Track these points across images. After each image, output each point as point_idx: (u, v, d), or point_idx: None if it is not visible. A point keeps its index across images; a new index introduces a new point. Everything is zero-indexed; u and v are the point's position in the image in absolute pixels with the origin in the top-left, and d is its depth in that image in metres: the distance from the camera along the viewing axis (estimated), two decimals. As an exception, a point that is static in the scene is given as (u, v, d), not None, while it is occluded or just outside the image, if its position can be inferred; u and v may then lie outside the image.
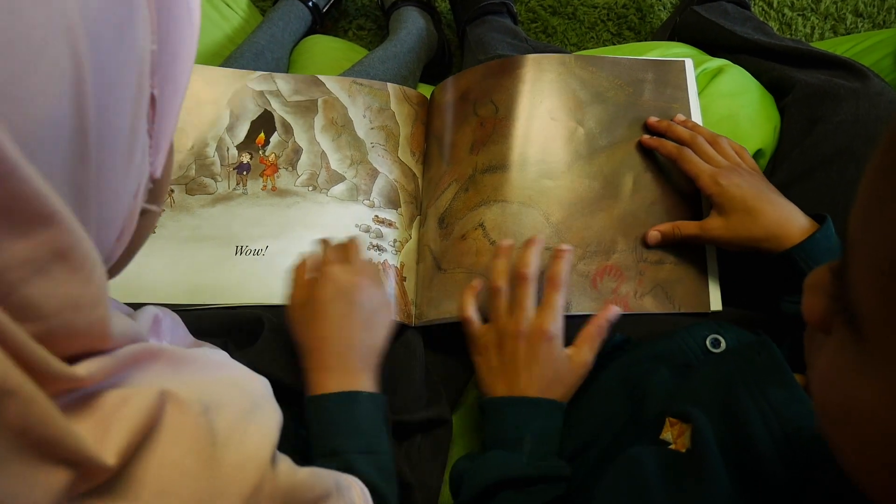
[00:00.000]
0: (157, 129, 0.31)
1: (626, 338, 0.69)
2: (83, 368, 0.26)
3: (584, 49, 1.32)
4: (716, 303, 0.70)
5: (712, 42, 1.01)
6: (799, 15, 1.31)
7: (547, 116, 0.76)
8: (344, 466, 0.52)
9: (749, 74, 0.87)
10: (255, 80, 0.83)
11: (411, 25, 1.13)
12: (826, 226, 0.61)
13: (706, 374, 0.59)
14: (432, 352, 0.75)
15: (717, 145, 0.69)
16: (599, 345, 0.65)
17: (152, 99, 0.30)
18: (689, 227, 0.68)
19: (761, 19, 1.30)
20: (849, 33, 1.29)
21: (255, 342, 0.67)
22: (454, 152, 0.79)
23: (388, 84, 0.84)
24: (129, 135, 0.28)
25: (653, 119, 0.74)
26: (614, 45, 1.32)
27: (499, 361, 0.63)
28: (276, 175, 0.77)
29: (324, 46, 1.14)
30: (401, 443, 0.69)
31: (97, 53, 0.24)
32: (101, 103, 0.25)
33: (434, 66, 1.22)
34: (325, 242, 0.70)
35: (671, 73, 0.78)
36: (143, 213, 0.33)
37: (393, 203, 0.79)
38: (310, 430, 0.57)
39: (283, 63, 1.11)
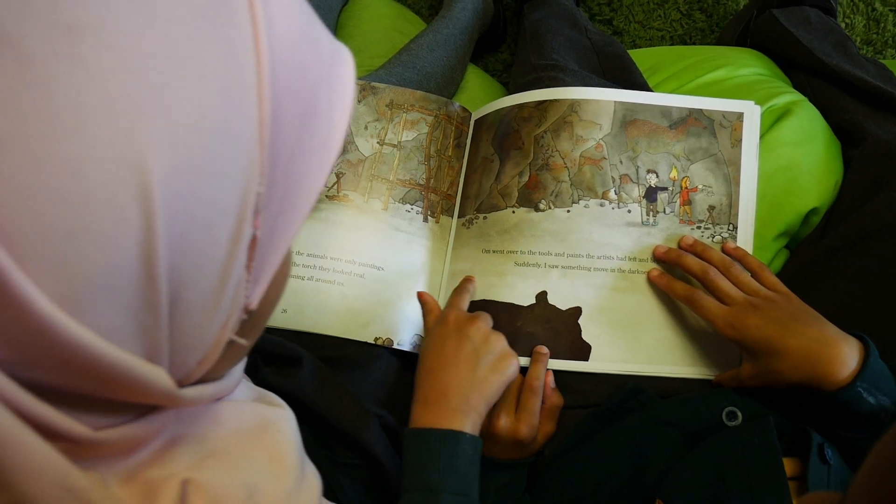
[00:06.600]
0: (258, 266, 0.31)
1: (639, 388, 0.68)
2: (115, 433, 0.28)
3: (650, 28, 1.24)
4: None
5: (787, 57, 0.94)
6: (891, 10, 1.20)
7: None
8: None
9: (818, 115, 0.81)
10: None
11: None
12: (871, 354, 0.55)
13: (705, 454, 0.59)
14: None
15: (731, 273, 0.64)
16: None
17: (254, 238, 0.29)
18: (730, 381, 0.65)
19: (848, 13, 1.20)
20: (943, 38, 1.18)
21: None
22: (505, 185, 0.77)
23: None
24: (220, 274, 0.28)
25: (661, 250, 0.69)
26: (682, 26, 1.23)
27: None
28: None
29: (373, 13, 1.09)
30: None
31: (176, 205, 0.24)
32: (180, 251, 0.25)
33: (486, 39, 1.16)
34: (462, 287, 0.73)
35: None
36: (231, 342, 0.32)
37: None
38: (404, 461, 0.59)
39: (330, 29, 1.06)
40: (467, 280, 0.73)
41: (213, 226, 0.26)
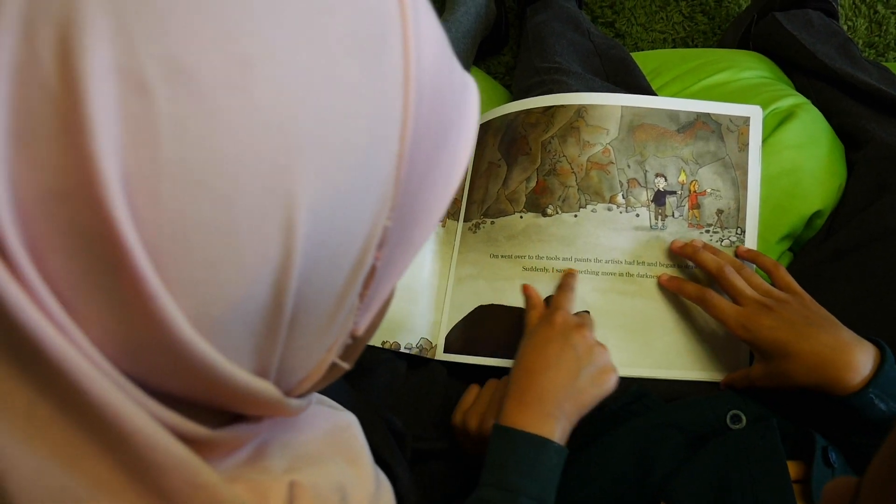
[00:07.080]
0: (371, 294, 0.30)
1: (644, 391, 0.69)
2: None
3: (652, 31, 1.24)
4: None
5: (789, 60, 0.94)
6: (893, 13, 1.20)
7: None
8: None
9: (821, 118, 0.81)
10: None
11: (471, 2, 1.07)
12: (886, 361, 0.55)
13: (709, 456, 0.59)
14: (458, 381, 0.77)
15: (743, 274, 0.64)
16: None
17: (373, 268, 0.29)
18: (740, 380, 0.65)
19: (850, 15, 1.20)
20: (944, 40, 1.18)
21: None
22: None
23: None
24: (336, 301, 0.28)
25: (677, 245, 0.69)
26: (684, 29, 1.24)
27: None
28: None
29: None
30: (414, 465, 0.73)
31: (313, 238, 0.24)
32: (307, 279, 0.25)
33: (488, 42, 1.16)
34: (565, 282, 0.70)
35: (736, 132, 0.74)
36: (333, 364, 0.32)
37: None
38: (488, 453, 0.59)
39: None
40: (570, 276, 0.71)
41: (340, 256, 0.26)
